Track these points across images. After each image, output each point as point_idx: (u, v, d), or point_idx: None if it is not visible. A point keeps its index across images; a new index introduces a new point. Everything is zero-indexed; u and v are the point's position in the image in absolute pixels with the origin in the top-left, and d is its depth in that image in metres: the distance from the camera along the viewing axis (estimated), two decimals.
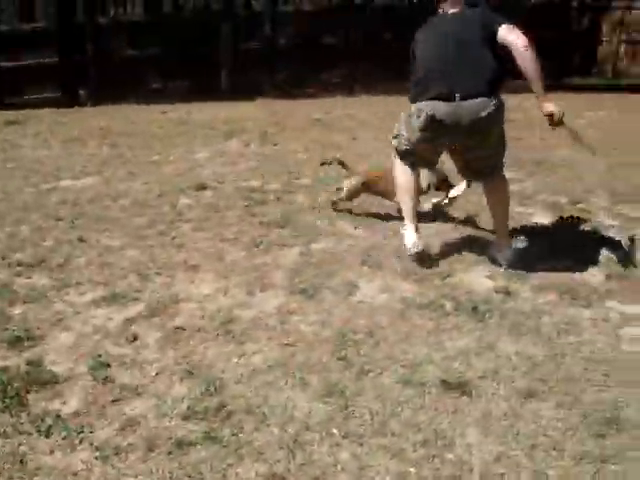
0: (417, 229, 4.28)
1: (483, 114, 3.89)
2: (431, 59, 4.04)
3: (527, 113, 8.28)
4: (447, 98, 3.90)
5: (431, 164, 4.53)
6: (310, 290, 3.92)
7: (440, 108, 3.93)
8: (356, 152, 7.02)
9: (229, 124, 9.24)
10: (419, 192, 4.53)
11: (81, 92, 14.91)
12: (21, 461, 2.59)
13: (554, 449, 2.63)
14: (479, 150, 4.10)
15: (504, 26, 3.88)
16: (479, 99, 3.89)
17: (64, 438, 2.71)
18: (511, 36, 3.85)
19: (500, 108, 3.96)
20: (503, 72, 3.96)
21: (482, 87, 3.91)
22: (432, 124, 3.98)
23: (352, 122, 9.48)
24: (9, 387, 2.99)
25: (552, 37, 15.90)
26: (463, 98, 3.89)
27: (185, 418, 2.81)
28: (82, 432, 2.74)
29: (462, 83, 3.91)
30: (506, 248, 4.25)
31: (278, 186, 6.00)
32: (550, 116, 3.93)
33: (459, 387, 3.00)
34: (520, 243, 4.29)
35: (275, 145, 7.83)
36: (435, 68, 3.99)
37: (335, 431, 2.73)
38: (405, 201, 4.35)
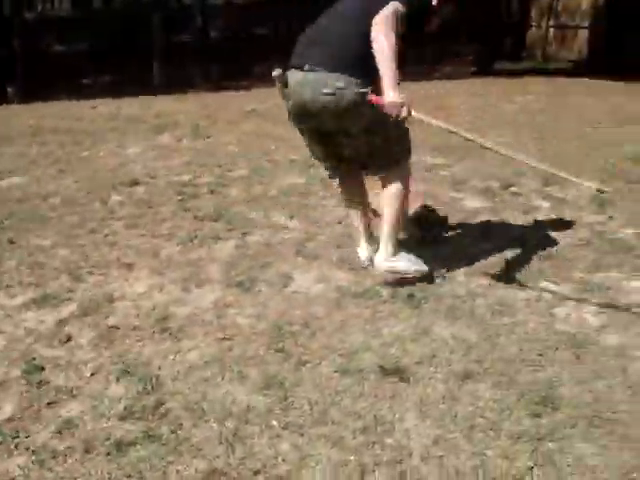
0: (369, 238, 4.08)
1: (325, 90, 3.44)
2: (306, 31, 3.75)
3: (451, 100, 8.37)
4: (299, 67, 3.55)
5: (335, 168, 4.02)
6: (246, 283, 3.90)
7: (292, 76, 3.58)
8: (294, 143, 7.00)
9: (161, 118, 9.11)
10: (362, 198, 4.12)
11: (9, 89, 14.57)
12: None
13: (491, 429, 2.67)
14: (343, 138, 3.70)
15: (382, 11, 3.40)
16: (324, 73, 3.46)
17: (1, 443, 2.64)
18: (375, 24, 3.38)
19: (361, 93, 3.44)
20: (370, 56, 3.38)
21: (334, 62, 3.47)
22: (287, 96, 3.65)
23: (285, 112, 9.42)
24: None
25: (482, 23, 16.17)
26: (311, 70, 3.50)
27: (122, 418, 2.76)
28: (18, 437, 2.68)
29: (316, 55, 3.52)
30: (385, 257, 3.85)
31: (211, 179, 5.95)
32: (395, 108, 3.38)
33: (397, 373, 3.02)
34: (404, 263, 3.86)
35: (208, 138, 7.76)
36: (302, 40, 3.72)
37: (275, 423, 2.73)
38: (349, 215, 4.21)
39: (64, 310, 3.66)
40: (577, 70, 15.05)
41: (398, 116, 3.39)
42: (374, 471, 2.46)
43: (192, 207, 5.19)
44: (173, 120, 8.89)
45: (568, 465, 2.48)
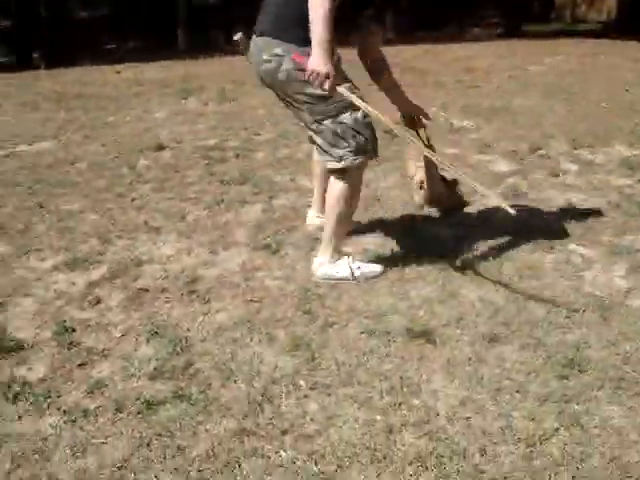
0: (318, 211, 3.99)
1: (264, 57, 3.26)
2: None
3: (479, 62, 8.25)
4: (254, 33, 3.37)
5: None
6: (273, 246, 3.92)
7: (251, 42, 3.41)
8: None
9: (186, 82, 9.13)
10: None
11: (34, 55, 14.61)
12: None
13: (518, 392, 2.67)
14: (292, 108, 3.50)
15: None
16: (267, 39, 3.26)
17: (32, 404, 2.69)
18: None
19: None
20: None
21: (275, 27, 3.25)
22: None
23: None
24: None
25: None
26: (259, 35, 3.32)
27: (152, 378, 2.80)
28: (50, 397, 2.72)
29: (263, 21, 3.34)
30: (322, 262, 3.57)
31: (237, 143, 5.96)
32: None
33: (424, 335, 3.03)
34: (343, 270, 3.53)
35: (233, 102, 7.75)
36: (262, 4, 3.43)
37: (302, 383, 2.75)
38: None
39: (94, 273, 3.71)
40: (606, 31, 14.81)
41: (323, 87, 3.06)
42: (401, 431, 2.48)
43: (218, 171, 5.21)
44: (199, 84, 8.90)
45: (594, 427, 2.48)
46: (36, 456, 2.42)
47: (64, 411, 2.64)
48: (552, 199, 4.50)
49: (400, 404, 2.62)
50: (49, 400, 2.71)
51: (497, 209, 4.26)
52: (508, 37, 14.50)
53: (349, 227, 3.67)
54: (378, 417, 2.55)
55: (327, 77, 3.01)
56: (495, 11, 17.82)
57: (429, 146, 3.70)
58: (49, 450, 2.45)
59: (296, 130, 6.20)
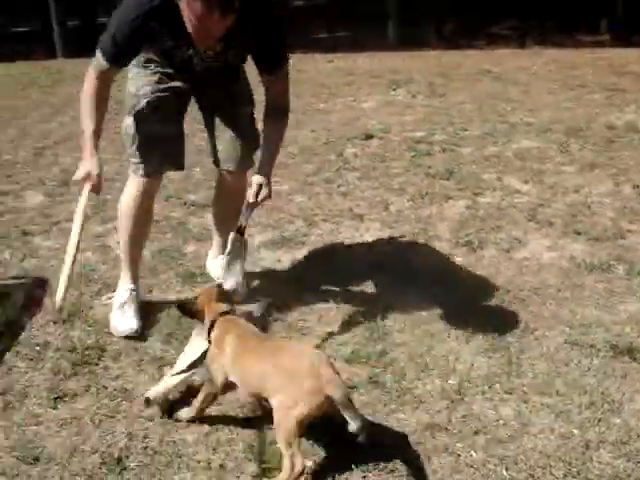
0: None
1: None
2: None
3: None
4: None
5: None
6: (475, 243, 3.87)
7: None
8: (528, 107, 6.84)
9: (396, 74, 9.17)
10: None
11: None
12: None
13: None
14: None
15: None
16: None
17: None
18: None
19: None
20: None
21: None
22: None
23: (524, 75, 9.13)
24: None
25: None
26: None
27: (348, 361, 2.86)
28: None
29: None
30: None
31: (444, 137, 5.93)
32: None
33: (629, 352, 2.88)
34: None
35: (442, 96, 7.71)
36: None
37: (498, 386, 2.70)
38: None
39: (298, 253, 3.83)
40: None
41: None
42: (598, 449, 2.37)
43: (423, 164, 5.21)
44: (408, 77, 8.92)
45: None
46: (234, 421, 2.54)
47: None
48: None
49: (599, 420, 2.51)
50: None
51: None
52: None
53: (127, 250, 3.31)
54: (575, 431, 2.46)
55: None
56: None
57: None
58: (247, 418, 2.56)
59: (505, 128, 6.10)
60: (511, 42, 13.72)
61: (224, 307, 2.55)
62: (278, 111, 3.07)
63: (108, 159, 5.61)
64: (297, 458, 2.14)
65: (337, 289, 3.46)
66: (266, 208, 4.37)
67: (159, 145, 3.11)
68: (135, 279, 3.32)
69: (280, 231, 4.09)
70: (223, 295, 2.62)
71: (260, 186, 2.89)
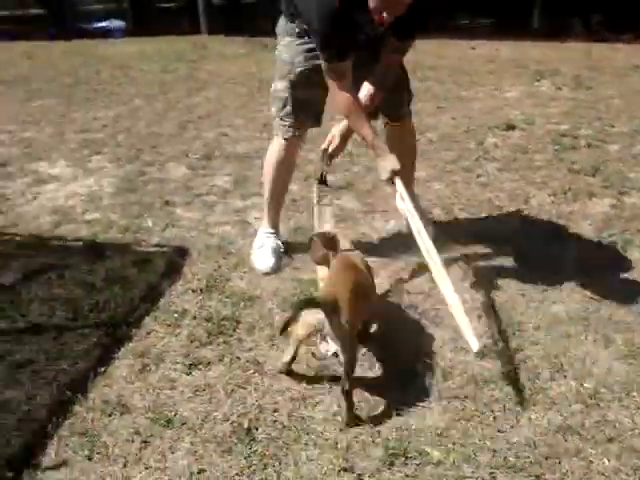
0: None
1: None
2: None
3: None
4: None
5: None
6: (619, 244, 3.72)
7: None
8: None
9: (540, 64, 8.93)
10: None
11: None
12: (324, 368, 2.77)
13: None
14: None
15: None
16: None
17: (363, 355, 2.83)
18: None
19: None
20: None
21: None
22: None
23: None
24: None
25: None
26: None
27: (480, 355, 2.82)
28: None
29: None
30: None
31: (590, 132, 5.71)
32: None
33: None
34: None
35: (589, 89, 7.44)
36: None
37: (635, 394, 2.59)
38: None
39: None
40: None
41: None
42: None
43: (567, 158, 5.05)
44: (553, 67, 8.66)
45: None
46: (362, 404, 2.56)
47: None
48: None
49: None
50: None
51: None
52: None
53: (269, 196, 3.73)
54: None
55: None
56: None
57: None
58: (374, 402, 2.58)
59: None
60: None
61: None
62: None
63: (249, 136, 5.76)
64: None
65: (474, 281, 3.40)
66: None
67: (306, 109, 3.41)
68: (274, 225, 3.76)
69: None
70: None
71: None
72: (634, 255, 3.63)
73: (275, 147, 3.57)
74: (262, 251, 3.64)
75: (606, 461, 2.29)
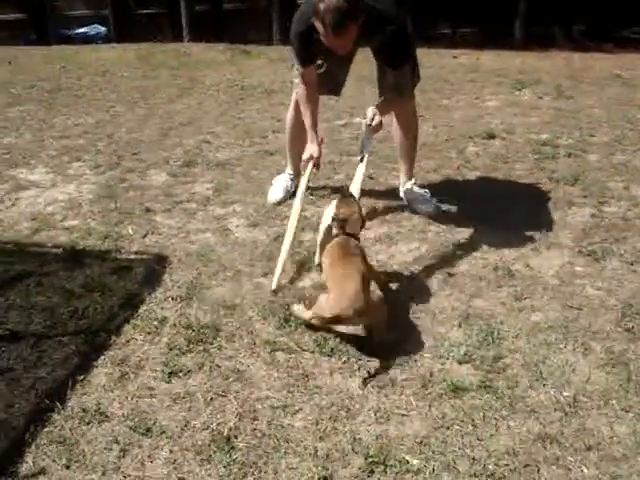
0: None
1: None
2: None
3: None
4: None
5: None
6: (598, 254, 3.74)
7: None
8: None
9: (521, 74, 8.96)
10: None
11: None
12: (304, 376, 2.77)
13: None
14: None
15: None
16: None
17: (344, 362, 2.84)
18: None
19: None
20: None
21: None
22: None
23: None
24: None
25: None
26: None
27: (460, 363, 2.83)
28: (361, 360, 2.86)
29: None
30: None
31: (570, 142, 5.73)
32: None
33: None
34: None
35: (570, 99, 7.48)
36: None
37: (614, 402, 2.61)
38: None
39: (415, 250, 3.81)
40: None
41: None
42: None
43: (548, 168, 5.07)
44: (534, 77, 8.69)
45: None
46: (342, 412, 2.56)
47: (372, 375, 2.77)
48: None
49: None
50: (360, 362, 2.84)
51: None
52: None
53: None
54: None
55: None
56: None
57: None
58: (354, 410, 2.58)
59: (634, 136, 5.88)
60: None
61: None
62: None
63: (230, 143, 5.76)
64: None
65: (454, 290, 3.42)
66: (383, 205, 4.39)
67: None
68: (293, 169, 4.55)
69: (397, 226, 4.07)
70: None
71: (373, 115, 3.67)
72: (613, 264, 3.65)
73: (293, 103, 4.26)
74: (277, 187, 4.51)
75: (585, 469, 2.31)
